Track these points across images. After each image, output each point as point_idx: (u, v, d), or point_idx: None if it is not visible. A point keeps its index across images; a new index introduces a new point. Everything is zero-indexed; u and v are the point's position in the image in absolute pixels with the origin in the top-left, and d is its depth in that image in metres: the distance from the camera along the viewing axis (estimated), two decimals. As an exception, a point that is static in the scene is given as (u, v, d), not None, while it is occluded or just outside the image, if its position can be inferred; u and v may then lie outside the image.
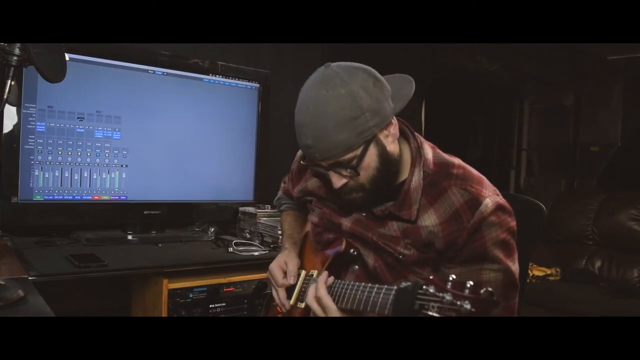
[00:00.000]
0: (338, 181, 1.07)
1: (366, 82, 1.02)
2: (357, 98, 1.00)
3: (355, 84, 1.01)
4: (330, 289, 1.12)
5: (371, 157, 1.05)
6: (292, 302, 1.27)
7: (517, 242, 1.11)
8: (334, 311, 1.05)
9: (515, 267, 1.09)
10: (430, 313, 0.79)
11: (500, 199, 1.08)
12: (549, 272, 3.32)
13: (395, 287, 0.89)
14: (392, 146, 1.08)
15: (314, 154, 1.04)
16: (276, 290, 1.29)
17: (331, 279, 1.12)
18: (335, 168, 1.06)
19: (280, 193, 1.57)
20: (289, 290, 1.29)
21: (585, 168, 4.24)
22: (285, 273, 1.28)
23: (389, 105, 1.05)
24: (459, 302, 0.76)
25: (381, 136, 1.05)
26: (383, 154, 1.06)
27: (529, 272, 3.10)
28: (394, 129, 1.08)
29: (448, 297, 0.77)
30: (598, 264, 3.35)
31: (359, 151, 1.03)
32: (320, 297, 1.06)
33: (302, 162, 1.14)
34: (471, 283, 0.77)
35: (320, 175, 1.24)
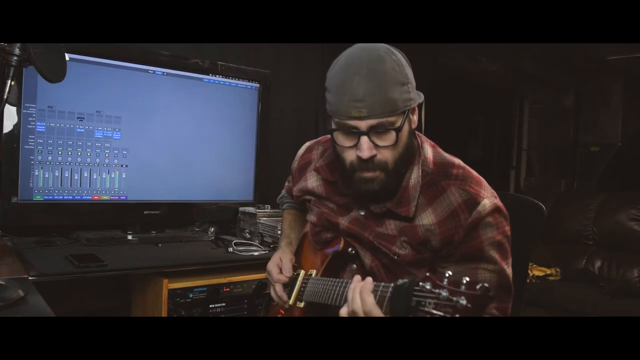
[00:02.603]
0: (368, 151, 1.03)
1: (404, 59, 1.07)
2: (404, 67, 1.04)
3: (399, 55, 1.05)
4: (328, 289, 1.13)
5: (405, 130, 1.06)
6: (291, 301, 1.27)
7: (515, 244, 1.12)
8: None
9: (509, 270, 1.09)
10: (427, 309, 0.79)
11: (498, 202, 1.09)
12: (549, 272, 3.32)
13: (392, 284, 0.90)
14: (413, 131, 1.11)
15: (360, 108, 1.00)
16: (273, 286, 1.30)
17: (369, 281, 0.96)
18: (373, 131, 1.02)
19: (283, 192, 1.57)
20: (289, 290, 1.29)
21: (585, 168, 4.24)
22: (280, 269, 1.30)
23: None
24: (455, 298, 0.76)
25: (410, 116, 1.07)
26: (411, 134, 1.09)
27: (529, 272, 3.10)
28: (417, 116, 1.10)
29: (444, 293, 0.78)
30: (598, 264, 3.35)
31: (400, 118, 1.03)
32: (370, 312, 0.93)
33: (329, 129, 1.09)
34: (467, 279, 0.77)
35: (321, 170, 1.24)
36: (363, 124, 1.02)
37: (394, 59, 1.03)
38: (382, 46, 1.05)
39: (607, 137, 4.11)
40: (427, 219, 1.09)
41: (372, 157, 1.04)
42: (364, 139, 1.03)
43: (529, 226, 1.31)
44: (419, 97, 1.10)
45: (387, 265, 1.14)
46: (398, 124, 1.02)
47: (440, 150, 1.19)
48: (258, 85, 2.34)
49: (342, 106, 1.02)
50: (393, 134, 1.03)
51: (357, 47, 1.06)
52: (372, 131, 1.02)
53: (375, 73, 1.00)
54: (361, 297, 0.94)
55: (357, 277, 0.98)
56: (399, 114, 1.02)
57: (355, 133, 1.03)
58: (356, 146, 1.04)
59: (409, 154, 1.10)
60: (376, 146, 1.04)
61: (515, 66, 3.99)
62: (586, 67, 4.02)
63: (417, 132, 1.17)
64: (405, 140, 1.07)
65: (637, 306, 2.81)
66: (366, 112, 1.00)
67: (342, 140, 1.07)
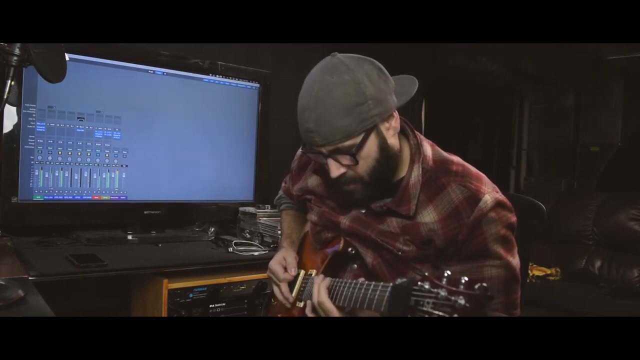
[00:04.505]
0: (336, 170, 1.07)
1: (371, 72, 1.04)
2: (362, 85, 1.02)
3: (360, 72, 1.03)
4: (328, 289, 1.13)
5: (371, 147, 1.06)
6: (291, 301, 1.27)
7: (516, 240, 1.11)
8: (335, 314, 1.06)
9: (515, 261, 1.09)
10: (425, 309, 0.79)
11: (500, 196, 1.09)
12: (549, 272, 3.32)
13: (390, 284, 0.90)
14: (392, 140, 1.09)
15: (314, 138, 1.04)
16: (278, 286, 1.29)
17: (328, 279, 1.11)
18: (334, 155, 1.06)
19: (281, 192, 1.57)
20: (289, 288, 1.29)
21: (585, 168, 4.24)
22: (285, 268, 1.29)
23: (392, 98, 1.07)
24: (453, 298, 0.77)
25: (382, 128, 1.07)
26: (383, 145, 1.07)
27: (529, 272, 3.10)
28: (396, 122, 1.09)
29: (443, 292, 0.78)
30: (598, 264, 3.35)
31: (359, 139, 1.04)
32: (322, 302, 1.07)
33: (301, 149, 1.14)
34: (466, 279, 0.78)
35: (320, 170, 1.24)
36: (323, 149, 1.06)
37: (347, 79, 1.01)
38: (337, 67, 1.03)
39: (607, 137, 4.11)
40: (428, 216, 1.09)
41: (343, 174, 1.08)
42: (330, 161, 1.08)
43: (529, 226, 1.30)
44: (406, 95, 1.09)
45: (391, 262, 1.13)
46: (354, 149, 1.04)
47: (438, 148, 1.19)
48: (258, 85, 2.34)
49: (302, 135, 1.08)
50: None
51: (314, 72, 1.07)
52: (333, 154, 1.06)
53: (323, 104, 1.02)
54: (319, 289, 1.07)
55: (321, 276, 1.12)
56: (356, 136, 1.03)
57: (322, 154, 1.08)
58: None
59: (389, 162, 1.10)
60: (343, 164, 1.07)
61: (515, 66, 3.99)
62: (586, 67, 4.02)
63: (415, 131, 1.17)
64: (374, 154, 1.07)
65: (637, 306, 2.81)
66: (320, 141, 1.05)
67: (316, 159, 1.13)
